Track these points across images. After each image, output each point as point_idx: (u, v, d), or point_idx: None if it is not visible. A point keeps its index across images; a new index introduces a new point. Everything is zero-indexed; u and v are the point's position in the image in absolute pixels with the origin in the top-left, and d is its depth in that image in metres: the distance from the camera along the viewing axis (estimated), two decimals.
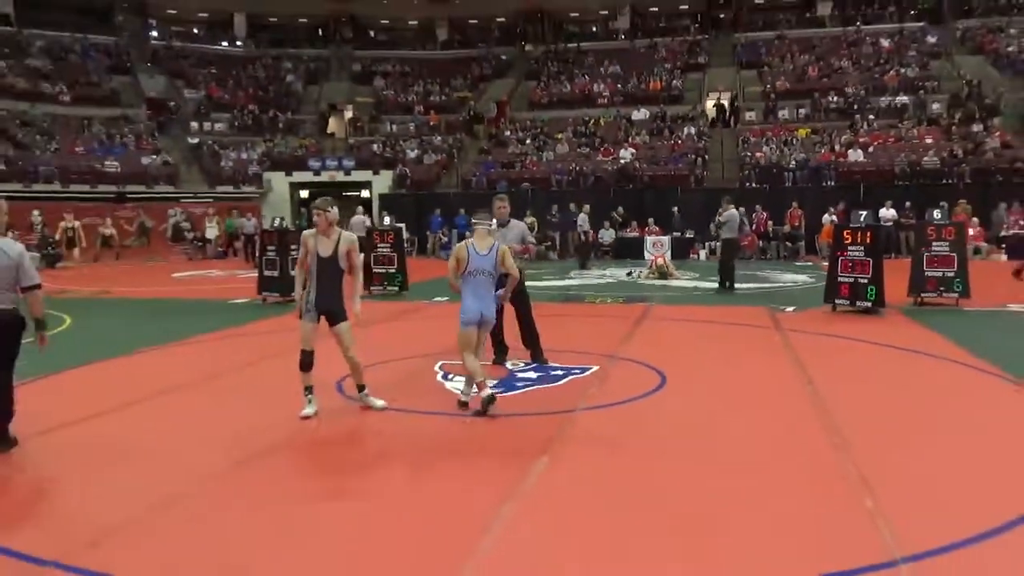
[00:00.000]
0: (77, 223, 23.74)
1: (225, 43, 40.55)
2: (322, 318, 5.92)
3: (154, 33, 39.22)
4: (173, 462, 5.05)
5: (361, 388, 6.15)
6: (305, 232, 5.97)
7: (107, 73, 34.73)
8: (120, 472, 4.90)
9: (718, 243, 15.35)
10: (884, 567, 3.46)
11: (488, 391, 6.03)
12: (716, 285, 14.18)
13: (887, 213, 20.73)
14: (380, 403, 6.13)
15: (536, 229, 23.74)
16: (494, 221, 6.64)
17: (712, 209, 14.79)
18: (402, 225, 16.82)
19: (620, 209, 23.92)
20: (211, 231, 25.67)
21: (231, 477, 4.77)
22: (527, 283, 8.14)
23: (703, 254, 22.08)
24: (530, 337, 7.87)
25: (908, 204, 21.15)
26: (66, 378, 7.57)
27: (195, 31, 41.05)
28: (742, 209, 21.90)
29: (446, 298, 13.10)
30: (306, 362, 5.90)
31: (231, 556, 3.72)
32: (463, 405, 6.15)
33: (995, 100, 27.10)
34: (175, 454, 5.22)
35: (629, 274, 17.57)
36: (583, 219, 20.92)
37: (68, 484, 4.77)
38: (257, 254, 15.10)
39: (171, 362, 8.53)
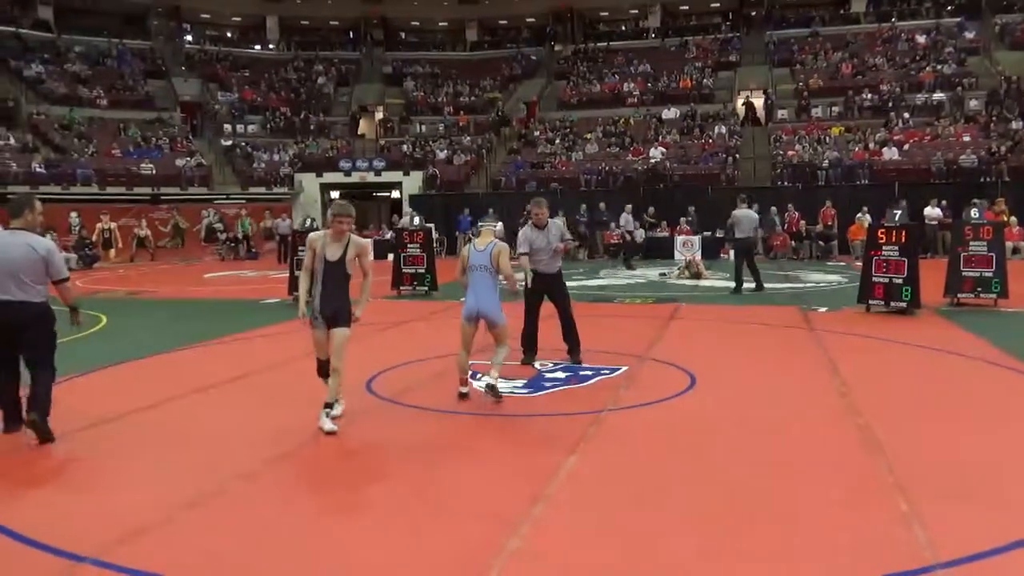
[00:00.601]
0: (113, 224, 24.28)
1: (258, 46, 41.01)
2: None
3: (188, 37, 39.76)
4: (204, 460, 5.12)
5: (328, 405, 5.63)
6: (313, 235, 5.76)
7: (143, 77, 35.33)
8: (152, 469, 4.98)
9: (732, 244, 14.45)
10: (921, 572, 3.39)
11: (465, 389, 6.48)
12: (748, 285, 13.72)
13: (932, 212, 20.34)
14: (329, 426, 5.54)
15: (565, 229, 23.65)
16: (499, 224, 6.82)
17: None
18: (431, 225, 16.83)
19: (651, 210, 23.80)
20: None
21: (262, 476, 4.81)
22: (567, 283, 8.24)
23: (733, 254, 21.80)
24: (570, 336, 7.93)
25: (944, 203, 20.75)
26: (102, 376, 7.72)
27: (228, 35, 41.57)
28: (774, 209, 21.76)
29: None
30: (324, 371, 5.77)
31: (259, 557, 3.75)
32: (494, 392, 6.27)
33: None
34: (207, 452, 5.28)
35: (662, 274, 17.44)
36: (627, 219, 20.64)
37: (103, 480, 4.86)
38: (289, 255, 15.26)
39: (204, 361, 8.65)
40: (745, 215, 13.52)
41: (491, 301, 6.34)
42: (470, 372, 6.63)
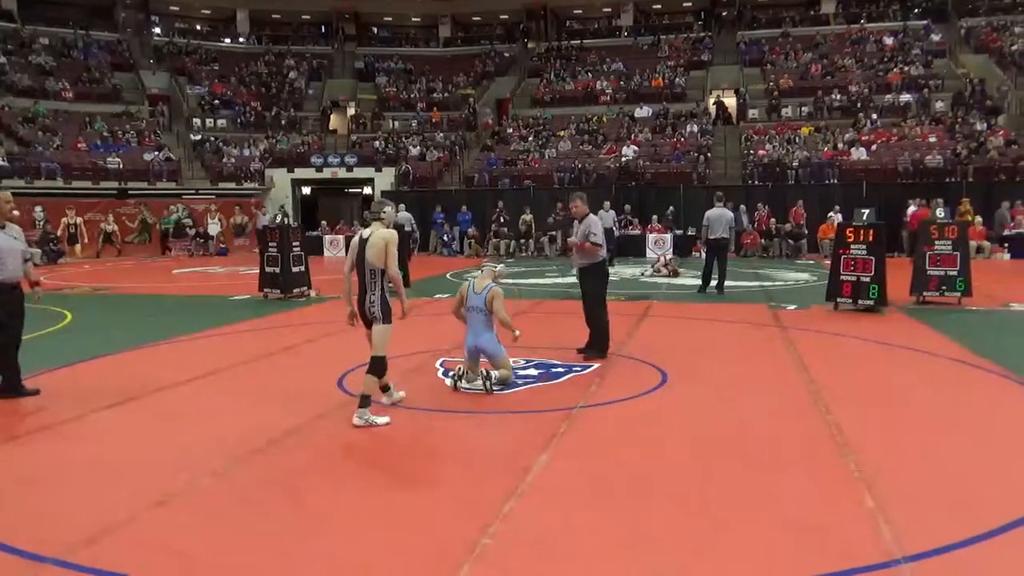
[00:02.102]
0: (79, 219, 23.87)
1: (228, 40, 40.49)
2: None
3: (157, 30, 39.15)
4: (173, 458, 5.04)
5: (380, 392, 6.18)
6: (394, 233, 6.00)
7: (110, 69, 34.69)
8: (119, 468, 4.89)
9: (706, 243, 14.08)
10: (885, 566, 3.44)
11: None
12: (713, 284, 13.64)
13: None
14: (384, 397, 6.21)
15: (532, 227, 23.73)
16: (500, 265, 7.28)
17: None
18: (410, 215, 16.68)
19: (627, 207, 23.90)
20: (213, 227, 25.72)
21: (231, 474, 4.76)
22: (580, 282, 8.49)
23: (705, 252, 21.94)
24: (591, 334, 8.15)
25: (920, 202, 21.03)
26: (66, 373, 7.58)
27: (198, 27, 40.99)
28: (742, 207, 21.98)
29: (448, 294, 13.10)
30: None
31: (227, 555, 3.71)
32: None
33: (998, 99, 27.01)
34: (175, 450, 5.21)
35: (643, 273, 17.49)
36: (605, 216, 20.58)
37: (68, 479, 4.76)
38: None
39: (172, 359, 8.52)
40: (719, 215, 13.35)
41: (487, 338, 6.76)
42: (443, 370, 6.64)
